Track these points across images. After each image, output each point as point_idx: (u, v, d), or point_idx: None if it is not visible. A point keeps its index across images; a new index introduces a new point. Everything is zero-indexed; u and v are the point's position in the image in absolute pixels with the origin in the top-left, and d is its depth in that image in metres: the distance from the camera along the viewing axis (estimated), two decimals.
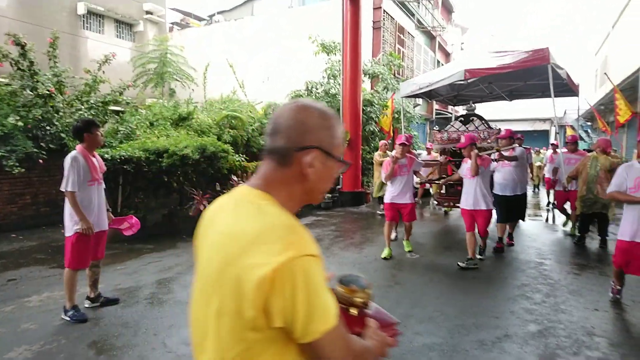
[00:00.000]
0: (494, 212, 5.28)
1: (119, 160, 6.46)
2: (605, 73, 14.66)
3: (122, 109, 9.65)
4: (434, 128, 8.47)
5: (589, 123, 24.32)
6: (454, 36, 26.68)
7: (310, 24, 14.10)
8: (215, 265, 0.89)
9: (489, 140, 5.24)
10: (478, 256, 5.26)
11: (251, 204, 0.92)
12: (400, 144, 5.35)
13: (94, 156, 3.69)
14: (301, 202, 0.98)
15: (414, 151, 6.76)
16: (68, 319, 3.50)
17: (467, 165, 5.08)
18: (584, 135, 22.10)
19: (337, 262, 5.30)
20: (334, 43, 12.16)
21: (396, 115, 14.12)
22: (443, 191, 8.04)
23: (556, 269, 5.06)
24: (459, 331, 3.29)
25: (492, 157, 5.37)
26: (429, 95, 11.04)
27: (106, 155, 6.27)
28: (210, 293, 0.90)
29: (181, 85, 13.55)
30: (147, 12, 15.73)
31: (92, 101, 8.29)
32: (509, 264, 5.24)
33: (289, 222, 0.88)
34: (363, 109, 12.25)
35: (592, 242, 6.31)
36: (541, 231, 7.40)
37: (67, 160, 3.46)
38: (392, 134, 12.91)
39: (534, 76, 8.51)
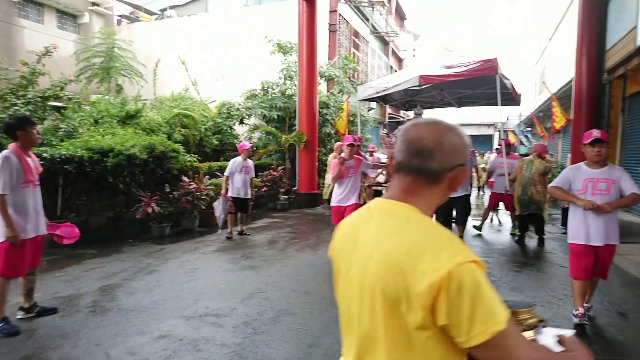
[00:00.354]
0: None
1: (59, 159, 6.05)
2: (543, 82, 15.72)
3: (64, 105, 9.06)
4: (383, 132, 8.68)
5: (529, 129, 25.96)
6: (406, 42, 27.54)
7: (266, 23, 13.98)
8: (373, 273, 0.95)
9: None
10: None
11: (399, 215, 0.99)
12: (348, 145, 5.17)
13: (29, 156, 3.43)
14: (435, 208, 1.07)
15: (363, 153, 6.74)
16: None
17: None
18: (524, 140, 23.55)
19: (292, 265, 5.28)
20: (290, 44, 12.13)
21: (351, 118, 14.34)
22: None
23: (498, 266, 5.35)
24: None
25: None
26: (383, 100, 11.33)
27: (45, 155, 5.86)
28: (372, 300, 0.96)
29: (129, 82, 12.95)
30: (93, 4, 14.91)
31: (29, 96, 7.70)
32: None
33: (447, 232, 0.95)
34: (319, 110, 12.30)
35: (531, 241, 6.74)
36: (485, 231, 7.77)
37: None
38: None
39: (481, 85, 8.96)
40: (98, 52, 12.58)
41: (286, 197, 10.34)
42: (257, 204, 10.34)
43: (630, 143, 9.37)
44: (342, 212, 5.30)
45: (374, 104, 16.91)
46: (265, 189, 10.19)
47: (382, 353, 0.95)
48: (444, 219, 6.07)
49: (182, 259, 5.58)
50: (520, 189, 6.52)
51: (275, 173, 10.36)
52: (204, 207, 7.47)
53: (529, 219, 6.68)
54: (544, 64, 20.99)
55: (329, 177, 5.36)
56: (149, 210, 6.61)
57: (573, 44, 8.39)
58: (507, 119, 26.61)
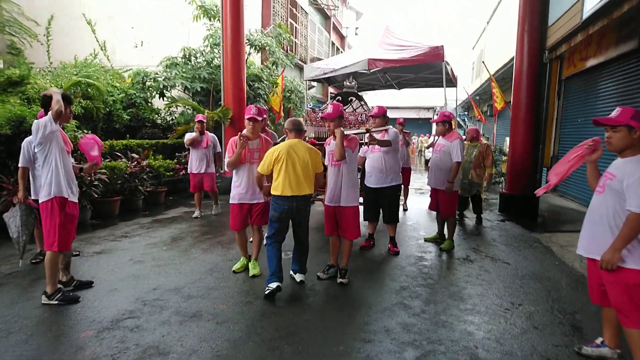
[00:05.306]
0: (360, 208, 4.35)
1: None
2: (482, 61, 15.61)
3: None
4: (308, 107, 7.83)
5: (466, 112, 26.46)
6: (348, 19, 26.67)
7: None
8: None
9: (367, 125, 4.55)
10: (340, 279, 3.96)
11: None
12: (249, 119, 3.90)
13: None
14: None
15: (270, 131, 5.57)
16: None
17: (329, 148, 3.95)
18: (462, 123, 23.93)
19: (190, 271, 4.20)
20: (216, 7, 10.70)
21: (287, 94, 13.25)
22: None
23: (436, 263, 4.69)
24: None
25: (365, 139, 4.47)
26: (327, 81, 10.57)
27: None
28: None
29: (19, 43, 10.80)
30: None
31: None
32: (388, 261, 4.71)
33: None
34: (251, 84, 11.09)
35: (470, 227, 6.22)
36: (422, 217, 7.16)
37: None
38: (282, 114, 12.09)
39: (424, 69, 8.98)
40: None
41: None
42: (175, 190, 9.06)
43: (565, 127, 9.25)
44: (244, 214, 4.06)
45: (314, 82, 15.98)
46: (183, 172, 8.93)
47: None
48: (370, 215, 5.06)
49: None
50: (461, 173, 6.08)
51: None
52: (96, 195, 6.14)
53: (467, 198, 6.78)
54: (481, 48, 21.14)
55: (224, 163, 4.12)
56: (15, 200, 5.17)
57: (513, 24, 8.02)
58: (446, 103, 26.92)
